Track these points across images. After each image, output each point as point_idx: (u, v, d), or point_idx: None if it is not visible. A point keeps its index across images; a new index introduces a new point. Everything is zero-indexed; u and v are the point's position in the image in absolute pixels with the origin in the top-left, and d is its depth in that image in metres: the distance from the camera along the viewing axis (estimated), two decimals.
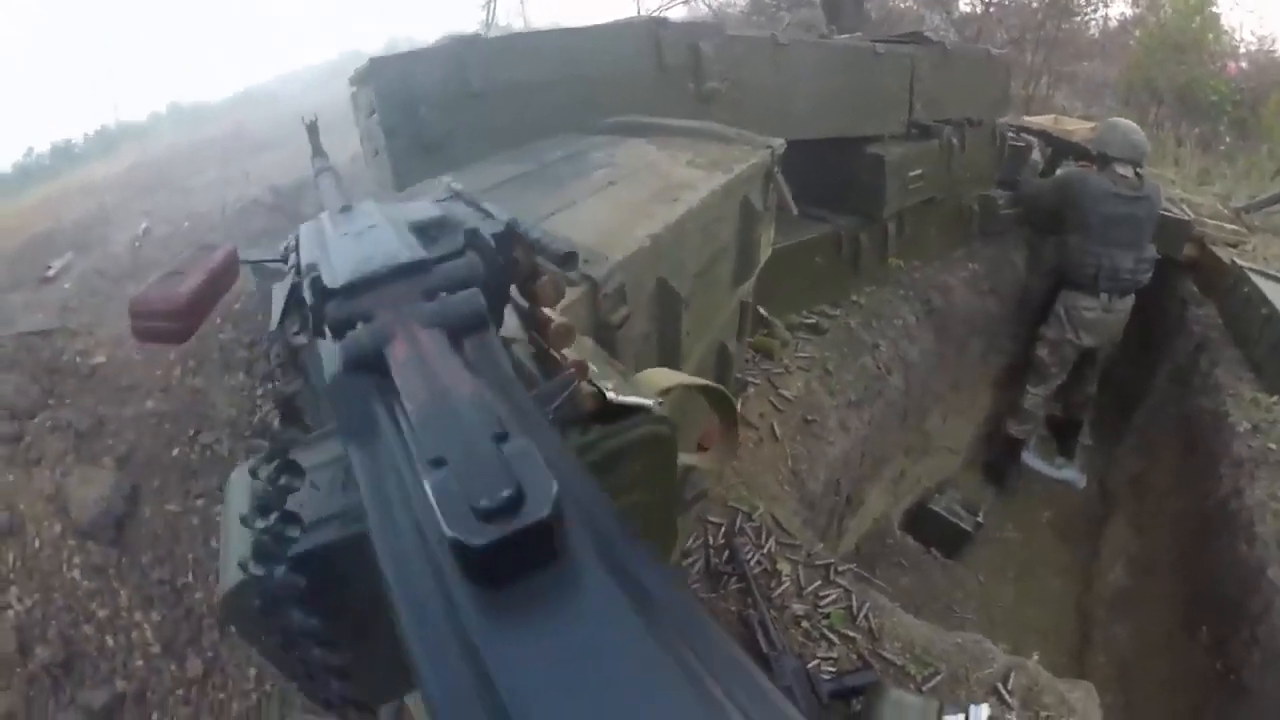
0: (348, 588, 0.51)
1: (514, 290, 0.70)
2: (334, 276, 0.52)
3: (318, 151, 1.23)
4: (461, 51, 2.18)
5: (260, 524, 0.53)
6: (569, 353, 0.70)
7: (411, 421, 0.37)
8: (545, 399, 0.63)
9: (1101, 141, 4.27)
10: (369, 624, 0.53)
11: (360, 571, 0.37)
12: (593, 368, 0.73)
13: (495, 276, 0.62)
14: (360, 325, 0.46)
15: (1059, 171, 4.82)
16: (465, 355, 0.45)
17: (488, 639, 0.28)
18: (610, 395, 0.72)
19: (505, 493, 0.30)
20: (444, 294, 0.48)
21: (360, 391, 0.44)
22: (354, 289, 0.50)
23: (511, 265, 0.66)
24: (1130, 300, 4.32)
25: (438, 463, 0.33)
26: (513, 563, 0.30)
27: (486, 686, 0.27)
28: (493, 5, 7.50)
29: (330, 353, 0.50)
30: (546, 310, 0.68)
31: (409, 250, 0.54)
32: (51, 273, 4.11)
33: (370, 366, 0.44)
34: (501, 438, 0.34)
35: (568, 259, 0.64)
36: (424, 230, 0.63)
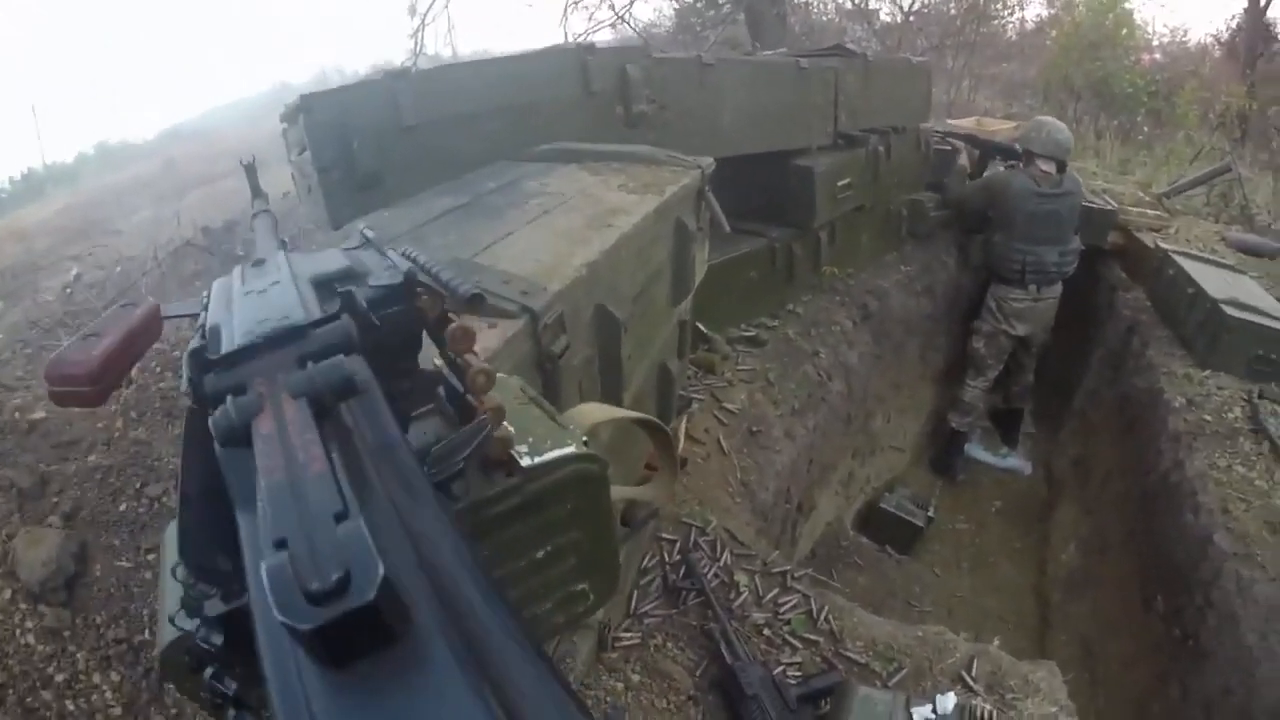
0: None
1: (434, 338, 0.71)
2: (230, 342, 0.52)
3: (257, 193, 1.21)
4: (392, 85, 2.17)
5: (183, 578, 0.54)
6: (487, 398, 0.71)
7: (263, 499, 0.37)
8: (455, 449, 0.64)
9: (1026, 139, 4.40)
10: None
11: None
12: (507, 422, 0.73)
13: (380, 333, 0.62)
14: (230, 399, 0.45)
15: (985, 173, 4.95)
16: (342, 421, 0.44)
17: (327, 717, 0.29)
18: (525, 463, 0.72)
19: (334, 576, 0.30)
20: (312, 362, 0.47)
21: (242, 463, 0.43)
22: (233, 358, 0.49)
23: (417, 312, 0.66)
24: (1058, 288, 4.48)
25: (280, 544, 0.33)
26: (346, 644, 0.30)
27: None
28: (421, 35, 7.49)
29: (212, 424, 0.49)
30: (467, 356, 0.68)
31: (301, 312, 0.53)
32: None
33: (241, 441, 0.43)
34: (341, 517, 0.34)
35: (473, 301, 0.64)
36: (327, 284, 0.63)
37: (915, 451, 4.95)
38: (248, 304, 0.59)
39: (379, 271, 0.68)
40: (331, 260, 0.69)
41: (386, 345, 0.62)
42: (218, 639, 0.51)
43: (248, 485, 0.42)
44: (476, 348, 0.71)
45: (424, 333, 0.69)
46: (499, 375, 0.91)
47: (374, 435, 0.46)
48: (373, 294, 0.63)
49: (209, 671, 0.52)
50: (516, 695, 0.30)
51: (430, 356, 0.72)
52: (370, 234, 0.79)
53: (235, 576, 0.52)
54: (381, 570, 0.30)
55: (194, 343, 0.67)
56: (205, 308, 0.69)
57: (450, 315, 0.67)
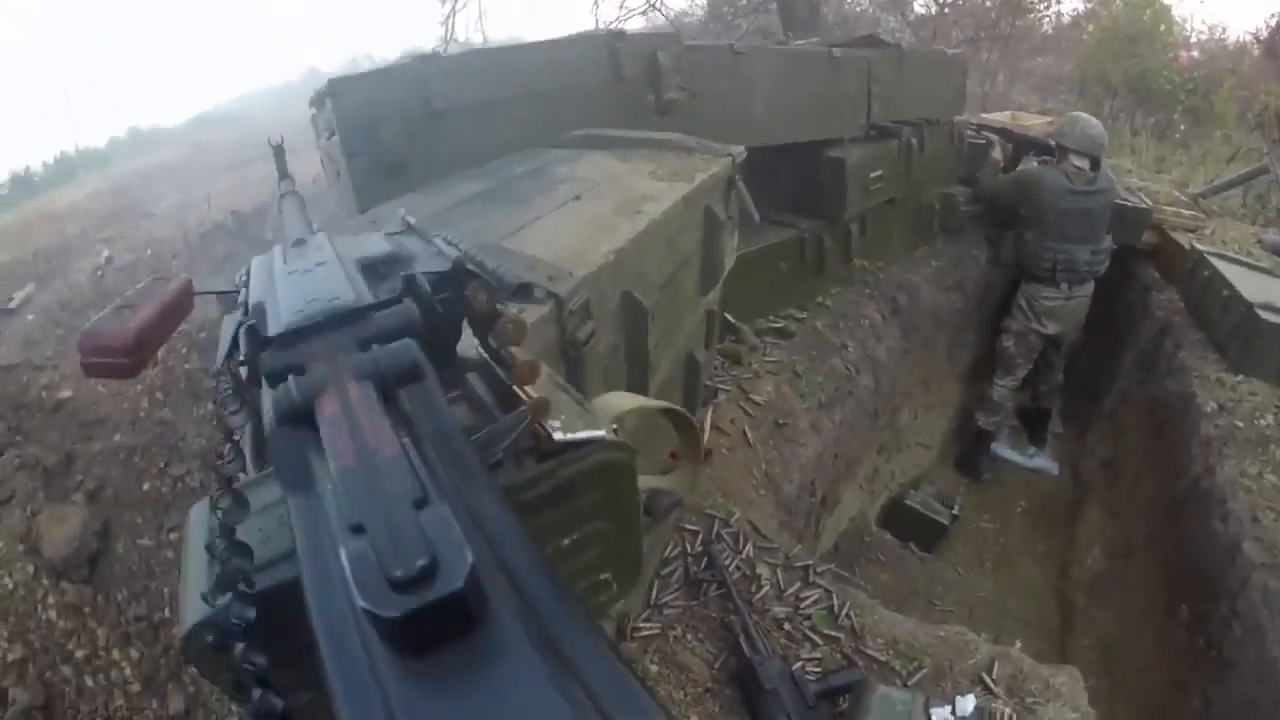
0: (300, 631, 0.50)
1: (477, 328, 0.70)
2: (277, 320, 0.52)
3: (283, 174, 1.22)
4: (421, 70, 2.17)
5: (219, 556, 0.53)
6: (532, 390, 0.70)
7: (335, 483, 0.37)
8: (496, 438, 0.63)
9: (1060, 134, 4.34)
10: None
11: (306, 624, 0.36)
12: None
13: (438, 319, 0.62)
14: (291, 378, 0.45)
15: (1019, 168, 4.88)
16: (401, 406, 0.44)
17: (406, 707, 0.28)
18: (557, 436, 0.71)
19: (420, 563, 0.30)
20: (377, 345, 0.48)
21: (296, 442, 0.43)
22: (288, 339, 0.49)
23: (462, 302, 0.65)
24: (1090, 287, 4.40)
25: (357, 529, 0.32)
26: (429, 633, 0.29)
27: None
28: (451, 22, 7.50)
29: (267, 402, 0.49)
30: (511, 349, 0.68)
31: (351, 293, 0.53)
32: (13, 304, 4.05)
33: (302, 420, 0.43)
34: (421, 503, 0.33)
35: (520, 291, 0.63)
36: (374, 267, 0.63)
37: (942, 449, 4.90)
38: (293, 283, 0.59)
39: (425, 257, 0.68)
40: (375, 244, 0.69)
41: (434, 330, 0.61)
42: (250, 614, 0.50)
43: (299, 466, 0.42)
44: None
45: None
46: None
47: (431, 420, 0.45)
48: (425, 282, 0.63)
49: (239, 649, 0.51)
50: (590, 680, 0.30)
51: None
52: (412, 219, 0.78)
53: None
54: (470, 558, 0.30)
55: (237, 317, 0.67)
56: (244, 284, 0.69)
57: (499, 307, 0.66)
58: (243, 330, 0.53)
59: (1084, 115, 4.44)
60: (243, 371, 0.62)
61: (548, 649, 0.30)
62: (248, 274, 0.70)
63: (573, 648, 0.31)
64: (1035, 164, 4.76)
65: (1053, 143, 4.44)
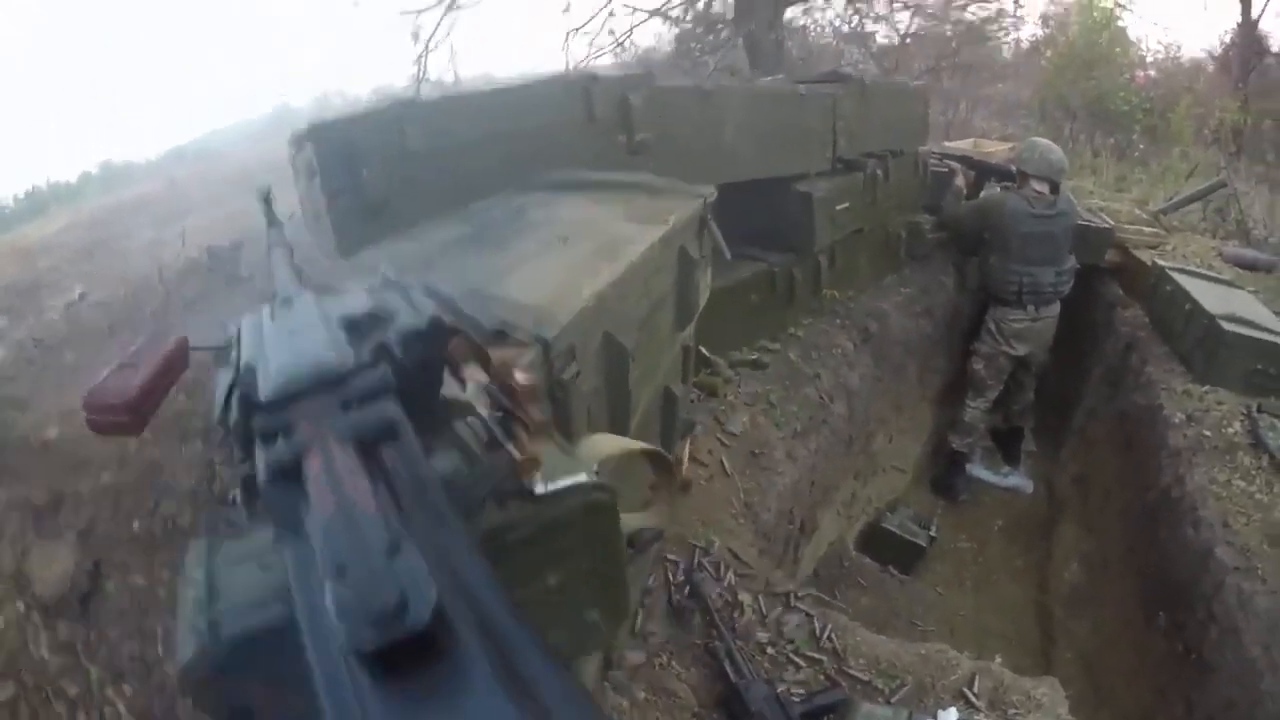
0: (288, 670, 0.54)
1: (475, 369, 0.74)
2: (266, 383, 0.57)
3: (272, 222, 1.24)
4: (400, 113, 2.21)
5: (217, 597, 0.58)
6: (535, 411, 0.74)
7: (318, 533, 0.42)
8: (478, 484, 0.68)
9: (1020, 160, 4.45)
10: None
11: (297, 656, 0.41)
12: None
13: (414, 375, 0.66)
14: (281, 439, 0.51)
15: (981, 194, 4.99)
16: (381, 460, 0.49)
17: None
18: (538, 489, 0.75)
19: (392, 602, 0.35)
20: (357, 405, 0.53)
21: (288, 494, 0.48)
22: (277, 403, 0.54)
23: (441, 353, 0.70)
24: (1055, 308, 4.49)
25: (340, 573, 0.37)
26: (403, 661, 0.34)
27: None
28: (424, 61, 7.56)
29: (260, 461, 0.54)
30: (514, 379, 0.72)
31: (334, 356, 0.59)
32: None
33: (291, 476, 0.48)
34: (394, 550, 0.38)
35: (497, 336, 0.68)
36: (355, 325, 0.67)
37: (917, 472, 4.96)
38: (280, 344, 0.64)
39: (404, 312, 0.72)
40: (357, 302, 0.73)
41: (412, 384, 0.65)
42: (241, 658, 0.55)
43: (293, 515, 0.47)
44: (481, 378, 0.74)
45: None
46: None
47: (408, 472, 0.50)
48: (400, 337, 0.67)
49: (229, 686, 0.56)
50: (548, 701, 0.35)
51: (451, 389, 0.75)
52: (391, 274, 0.82)
53: None
54: (434, 597, 0.36)
55: (229, 374, 0.71)
56: (235, 343, 0.73)
57: (514, 382, 0.71)
58: (236, 396, 0.58)
59: (1042, 141, 4.56)
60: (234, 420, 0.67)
61: (509, 674, 0.35)
62: (239, 332, 0.74)
63: (531, 672, 0.36)
64: (997, 190, 4.86)
65: (1013, 169, 4.55)
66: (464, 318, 0.71)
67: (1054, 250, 4.36)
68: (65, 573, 2.04)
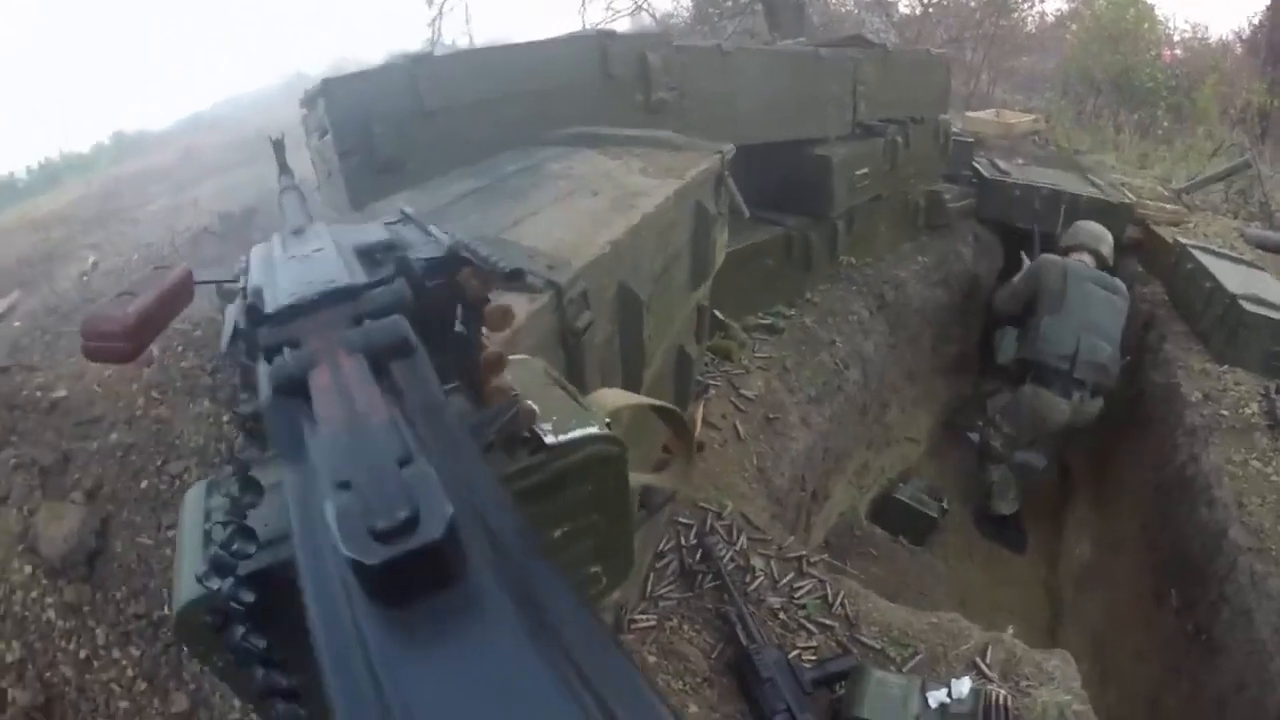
0: (296, 608, 0.51)
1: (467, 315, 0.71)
2: (274, 300, 0.54)
3: (283, 169, 1.23)
4: (413, 70, 2.18)
5: (219, 538, 0.54)
6: (498, 381, 0.70)
7: (324, 445, 0.39)
8: (483, 424, 0.65)
9: (1063, 239, 4.39)
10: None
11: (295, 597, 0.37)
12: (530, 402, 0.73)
13: (430, 300, 0.63)
14: (287, 351, 0.47)
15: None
16: (392, 379, 0.46)
17: (385, 657, 0.29)
18: (549, 440, 0.73)
19: (402, 515, 0.31)
20: (369, 320, 0.50)
21: (290, 414, 0.45)
22: (285, 315, 0.51)
23: (456, 287, 0.67)
24: (1100, 403, 3.96)
25: (343, 485, 0.34)
26: (409, 583, 0.31)
27: (383, 703, 0.28)
28: (438, 24, 7.50)
29: (263, 374, 0.51)
30: (485, 335, 0.69)
31: (346, 276, 0.55)
32: None
33: (296, 391, 0.45)
34: (405, 461, 0.35)
35: (513, 276, 0.65)
36: (369, 254, 0.64)
37: (930, 443, 4.94)
38: (291, 267, 0.61)
39: (420, 245, 0.69)
40: (372, 232, 0.70)
41: (425, 314, 0.62)
42: (249, 597, 0.52)
43: (295, 436, 0.44)
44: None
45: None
46: (523, 357, 0.92)
47: (420, 393, 0.47)
48: (418, 265, 0.64)
49: (239, 631, 0.53)
50: (568, 640, 0.31)
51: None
52: (409, 209, 0.80)
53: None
54: (450, 510, 0.31)
55: (239, 307, 0.69)
56: (244, 272, 0.71)
57: (490, 295, 0.68)
58: (243, 307, 0.55)
59: (1080, 222, 4.44)
60: (244, 360, 0.65)
61: (527, 608, 0.31)
62: (247, 261, 0.72)
63: (553, 608, 0.32)
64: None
65: (1061, 244, 4.41)
66: (479, 255, 0.67)
67: (1113, 321, 3.95)
68: (72, 532, 2.03)
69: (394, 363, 0.47)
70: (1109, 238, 4.28)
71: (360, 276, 0.56)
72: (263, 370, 0.51)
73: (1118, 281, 4.14)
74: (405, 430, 0.39)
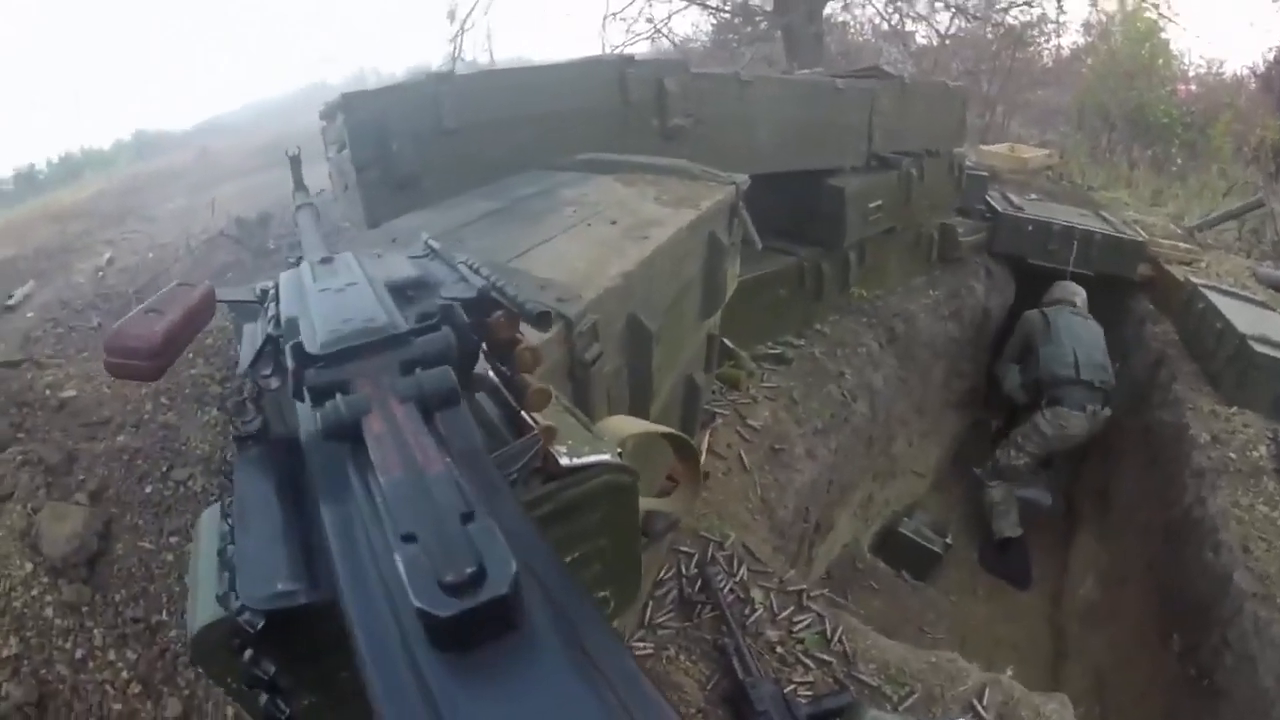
0: (310, 636, 0.53)
1: (494, 353, 0.72)
2: (313, 338, 0.55)
3: (299, 185, 1.24)
4: (435, 88, 2.19)
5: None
6: (540, 417, 0.72)
7: (385, 495, 0.40)
8: (510, 460, 0.66)
9: (1045, 299, 4.66)
10: (332, 675, 0.55)
11: (324, 623, 0.39)
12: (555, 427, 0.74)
13: (468, 345, 0.65)
14: (339, 396, 0.48)
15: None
16: (436, 428, 0.47)
17: (448, 700, 0.31)
18: (564, 462, 0.74)
19: (469, 570, 0.33)
20: (419, 369, 0.51)
21: (335, 455, 0.47)
22: (334, 358, 0.52)
23: (484, 328, 0.68)
24: (1108, 412, 4.28)
25: (409, 538, 0.36)
26: (475, 632, 0.33)
27: None
28: (460, 41, 7.57)
29: (308, 415, 0.52)
30: (525, 376, 0.70)
31: (384, 316, 0.56)
32: (13, 301, 4.05)
33: (347, 435, 0.46)
34: (468, 517, 0.37)
35: (541, 319, 0.66)
36: (401, 290, 0.65)
37: (935, 477, 4.92)
38: (326, 301, 0.62)
39: (449, 283, 0.70)
40: (402, 267, 0.71)
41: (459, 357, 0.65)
42: (260, 621, 0.52)
43: (339, 477, 0.46)
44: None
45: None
46: None
47: (463, 441, 0.48)
48: (458, 313, 0.66)
49: (248, 654, 0.53)
50: (613, 680, 0.33)
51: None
52: (436, 244, 0.81)
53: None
54: (514, 566, 0.34)
55: (263, 327, 0.69)
56: (273, 298, 0.71)
57: (519, 335, 0.69)
58: (289, 347, 0.55)
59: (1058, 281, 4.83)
60: (272, 382, 0.65)
61: (577, 650, 0.34)
62: (275, 288, 0.72)
63: (597, 650, 0.34)
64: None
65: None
66: (508, 296, 0.68)
67: (1096, 336, 4.39)
68: (75, 533, 2.04)
69: (439, 412, 0.49)
70: (1083, 292, 4.65)
71: (398, 317, 0.57)
72: (306, 409, 0.53)
73: (1090, 317, 4.54)
74: (464, 480, 0.41)
